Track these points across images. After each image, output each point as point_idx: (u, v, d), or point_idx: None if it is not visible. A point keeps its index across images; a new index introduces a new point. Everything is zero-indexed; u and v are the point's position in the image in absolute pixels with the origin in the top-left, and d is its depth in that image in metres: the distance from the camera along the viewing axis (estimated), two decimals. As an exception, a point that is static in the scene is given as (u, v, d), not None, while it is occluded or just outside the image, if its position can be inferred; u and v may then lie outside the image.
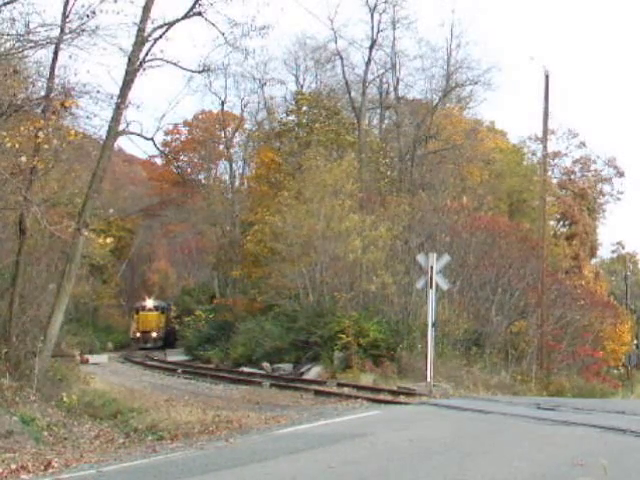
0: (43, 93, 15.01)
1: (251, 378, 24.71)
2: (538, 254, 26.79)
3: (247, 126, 46.08)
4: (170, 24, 17.47)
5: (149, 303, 49.65)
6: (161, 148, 42.49)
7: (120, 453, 10.24)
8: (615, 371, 31.99)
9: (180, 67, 18.41)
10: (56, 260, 19.02)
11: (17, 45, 12.77)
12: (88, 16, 13.11)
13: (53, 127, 13.01)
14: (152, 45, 17.24)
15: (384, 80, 38.77)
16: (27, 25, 12.67)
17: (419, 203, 29.58)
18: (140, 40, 16.78)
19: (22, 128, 12.43)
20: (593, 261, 50.56)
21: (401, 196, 30.71)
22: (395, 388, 18.74)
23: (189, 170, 53.77)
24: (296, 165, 33.17)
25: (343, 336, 22.89)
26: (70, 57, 14.57)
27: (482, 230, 28.03)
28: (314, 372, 24.07)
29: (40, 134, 11.99)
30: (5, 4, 12.89)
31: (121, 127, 17.43)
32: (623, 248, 58.56)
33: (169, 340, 47.57)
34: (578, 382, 23.89)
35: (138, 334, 48.09)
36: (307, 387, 20.77)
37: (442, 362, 20.66)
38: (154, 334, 48.03)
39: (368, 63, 36.29)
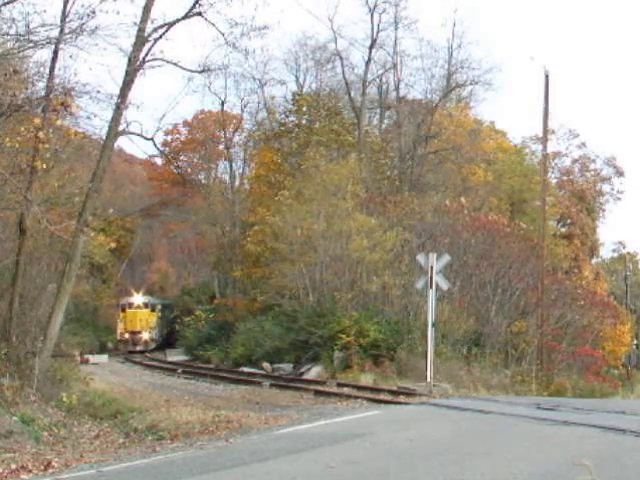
0: (43, 93, 15.01)
1: (251, 378, 24.71)
2: (538, 254, 26.77)
3: (247, 126, 46.13)
4: (170, 24, 17.48)
5: (137, 299, 44.91)
6: (161, 148, 42.48)
7: (120, 453, 10.24)
8: (615, 371, 31.95)
9: (180, 67, 18.45)
10: (56, 260, 19.01)
11: (17, 45, 12.77)
12: (88, 16, 13.12)
13: (53, 127, 13.02)
14: (152, 45, 17.27)
15: (384, 80, 38.90)
16: (27, 25, 12.66)
17: (424, 203, 29.58)
18: (140, 40, 16.79)
19: (22, 128, 12.43)
20: (594, 261, 50.52)
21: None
22: (395, 388, 18.75)
23: (189, 170, 53.73)
24: (296, 165, 33.18)
25: (343, 336, 22.88)
26: (70, 57, 14.59)
27: (482, 230, 28.03)
28: (314, 372, 24.07)
29: (40, 134, 11.99)
30: (5, 4, 12.88)
31: (121, 127, 17.45)
32: (624, 247, 58.53)
33: (167, 341, 44.57)
34: (578, 382, 23.87)
35: (126, 335, 43.23)
36: (307, 387, 20.78)
37: (442, 362, 20.66)
38: (145, 335, 43.62)
39: (368, 63, 36.40)
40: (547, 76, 25.90)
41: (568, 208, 45.04)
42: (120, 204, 46.28)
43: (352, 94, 37.47)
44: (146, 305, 44.95)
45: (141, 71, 17.22)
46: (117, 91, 16.67)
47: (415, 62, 39.55)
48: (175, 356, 38.86)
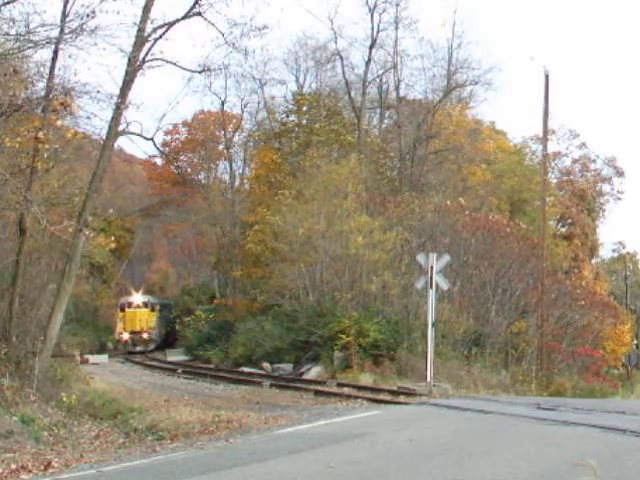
0: (43, 93, 15.01)
1: (251, 378, 24.70)
2: (538, 254, 26.77)
3: (247, 126, 46.13)
4: (170, 24, 17.49)
5: (137, 299, 44.09)
6: (161, 148, 42.46)
7: (120, 453, 10.25)
8: (615, 371, 31.95)
9: (180, 67, 18.48)
10: (56, 260, 19.01)
11: (17, 45, 12.76)
12: (88, 16, 13.10)
13: (53, 127, 13.02)
14: (152, 45, 17.28)
15: (384, 80, 38.89)
16: (27, 25, 12.66)
17: (424, 203, 29.60)
18: (140, 40, 16.79)
19: (22, 128, 12.43)
20: (594, 261, 50.55)
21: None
22: (395, 388, 18.75)
23: (189, 170, 53.73)
24: (296, 165, 33.19)
25: (343, 336, 22.88)
26: (70, 57, 14.59)
27: (482, 230, 28.03)
28: (314, 372, 24.07)
29: (40, 134, 11.99)
30: (5, 4, 12.88)
31: (121, 127, 17.45)
32: (624, 247, 58.60)
33: (166, 342, 44.01)
34: (578, 382, 23.88)
35: (125, 335, 42.36)
36: (307, 387, 20.78)
37: (442, 362, 20.67)
38: (145, 335, 42.60)
39: (368, 63, 36.39)
40: (547, 76, 25.91)
41: (569, 208, 45.06)
42: (120, 204, 46.24)
43: (352, 94, 37.48)
44: (146, 304, 44.14)
45: (141, 71, 17.23)
46: (117, 91, 16.69)
47: (415, 62, 39.69)
48: (175, 356, 38.80)
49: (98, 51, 13.96)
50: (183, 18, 17.76)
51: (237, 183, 46.12)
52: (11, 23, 12.66)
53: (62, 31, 13.64)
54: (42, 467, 8.62)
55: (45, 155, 13.17)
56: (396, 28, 36.45)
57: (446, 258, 19.47)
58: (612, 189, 51.34)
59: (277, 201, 30.83)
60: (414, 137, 36.17)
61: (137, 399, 17.68)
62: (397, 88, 38.43)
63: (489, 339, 25.69)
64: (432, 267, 18.54)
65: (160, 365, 34.03)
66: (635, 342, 40.13)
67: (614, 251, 58.92)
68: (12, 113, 12.67)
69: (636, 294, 55.26)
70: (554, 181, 46.57)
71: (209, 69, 19.74)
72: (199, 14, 17.92)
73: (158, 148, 37.02)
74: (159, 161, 53.85)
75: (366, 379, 21.13)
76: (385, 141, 37.79)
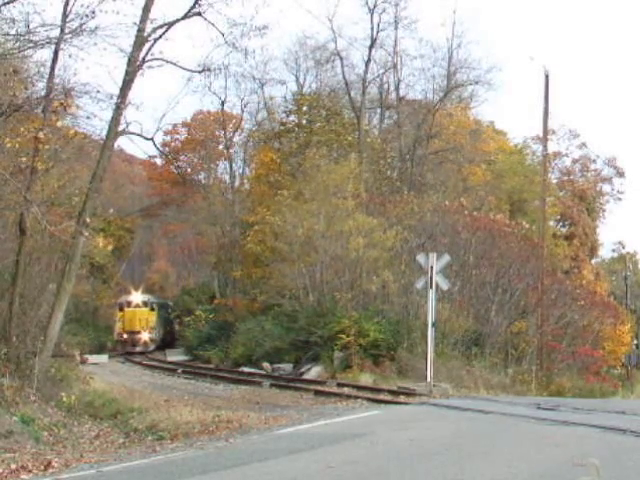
0: (43, 93, 15.00)
1: (251, 378, 24.70)
2: (538, 254, 26.78)
3: (247, 126, 46.11)
4: (170, 24, 17.50)
5: (136, 298, 43.48)
6: (161, 148, 42.44)
7: (120, 453, 10.24)
8: (615, 371, 31.97)
9: (180, 67, 18.48)
10: (56, 260, 19.00)
11: (17, 45, 12.77)
12: (88, 16, 13.12)
13: (53, 128, 13.03)
14: (152, 45, 17.29)
15: (384, 80, 38.92)
16: (27, 25, 12.67)
17: (423, 203, 29.61)
18: (140, 40, 16.80)
19: (22, 128, 12.44)
20: (594, 261, 50.58)
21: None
22: (395, 388, 18.76)
23: (189, 170, 53.72)
24: (296, 165, 33.19)
25: (343, 336, 22.87)
26: (70, 57, 14.59)
27: (482, 230, 28.04)
28: (314, 372, 24.07)
29: (40, 134, 11.99)
30: (5, 4, 12.88)
31: (121, 127, 17.46)
32: (624, 248, 58.59)
33: (164, 342, 43.64)
34: (578, 382, 23.89)
35: (124, 335, 41.69)
36: (307, 387, 20.78)
37: (442, 362, 20.67)
38: (144, 335, 42.06)
39: (368, 63, 36.42)
40: (547, 76, 25.93)
41: (569, 208, 45.07)
42: (120, 204, 46.21)
43: (352, 94, 37.48)
44: (145, 304, 43.63)
45: (141, 71, 17.24)
46: (117, 91, 16.69)
47: (415, 62, 39.68)
48: (175, 356, 38.78)
49: (98, 51, 14.03)
50: (183, 18, 17.77)
51: (237, 183, 46.09)
52: (11, 23, 12.68)
53: (62, 31, 13.66)
54: (42, 467, 8.62)
55: (45, 155, 13.17)
56: (396, 28, 36.54)
57: (446, 258, 19.46)
58: (612, 189, 51.44)
59: (277, 201, 30.81)
60: (414, 137, 36.19)
61: (137, 399, 17.66)
62: (397, 88, 38.50)
63: (489, 339, 25.69)
64: (432, 267, 18.55)
65: (160, 365, 34.02)
66: (635, 342, 40.15)
67: (614, 251, 58.96)
68: (12, 113, 12.68)
69: (636, 294, 55.26)
70: (554, 181, 46.58)
71: (209, 69, 19.74)
72: (199, 14, 17.93)
73: (158, 148, 37.08)
74: (159, 161, 53.83)
75: (366, 379, 21.14)
76: (385, 141, 37.78)
